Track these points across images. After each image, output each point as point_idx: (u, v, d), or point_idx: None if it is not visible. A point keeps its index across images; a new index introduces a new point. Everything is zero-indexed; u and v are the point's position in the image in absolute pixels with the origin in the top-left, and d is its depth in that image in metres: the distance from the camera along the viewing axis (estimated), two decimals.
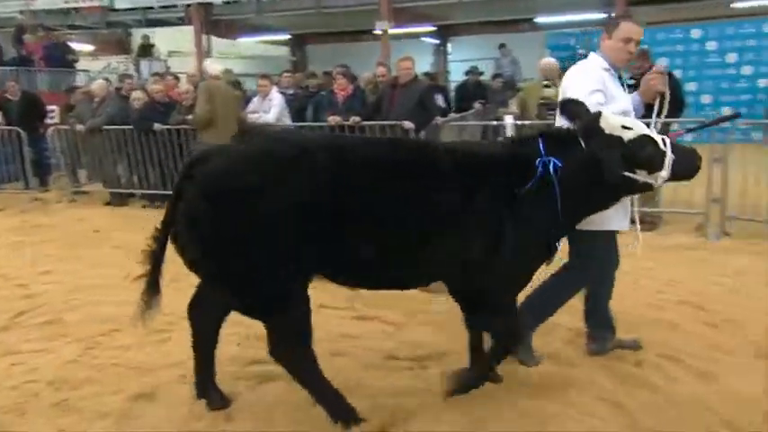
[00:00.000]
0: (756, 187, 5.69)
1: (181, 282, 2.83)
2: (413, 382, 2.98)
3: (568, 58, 11.82)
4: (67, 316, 3.98)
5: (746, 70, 12.15)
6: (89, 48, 15.88)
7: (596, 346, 3.21)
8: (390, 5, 13.11)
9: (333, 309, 3.82)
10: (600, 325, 3.22)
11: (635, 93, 3.00)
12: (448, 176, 2.47)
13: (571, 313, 3.30)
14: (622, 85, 3.08)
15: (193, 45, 14.71)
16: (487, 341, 2.85)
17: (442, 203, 2.44)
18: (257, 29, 16.64)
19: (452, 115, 8.64)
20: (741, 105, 10.84)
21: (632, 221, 3.03)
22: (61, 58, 12.50)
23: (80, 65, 13.47)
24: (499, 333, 2.72)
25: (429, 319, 3.74)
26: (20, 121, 8.66)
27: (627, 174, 2.51)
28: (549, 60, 7.39)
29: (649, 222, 5.81)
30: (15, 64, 11.96)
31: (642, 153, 2.51)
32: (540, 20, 15.41)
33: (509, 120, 6.71)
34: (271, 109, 7.37)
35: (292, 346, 2.46)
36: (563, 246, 2.82)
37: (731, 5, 12.91)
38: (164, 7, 15.44)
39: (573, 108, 2.69)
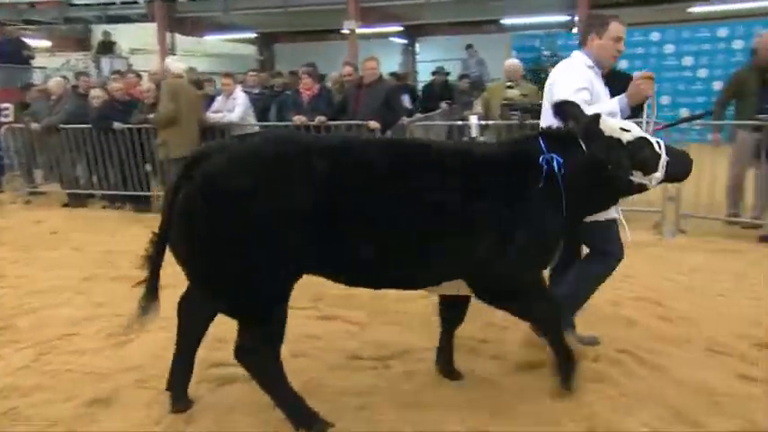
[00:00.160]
0: (710, 186, 5.89)
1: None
2: (376, 381, 2.97)
3: (533, 60, 12.06)
4: (20, 321, 3.84)
5: (702, 73, 12.55)
6: (46, 44, 15.38)
7: None
8: (358, 5, 13.07)
9: (296, 309, 3.76)
10: None
11: (622, 95, 2.97)
12: (450, 176, 2.45)
13: None
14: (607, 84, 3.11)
15: (157, 42, 14.43)
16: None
17: (444, 203, 2.41)
18: (223, 27, 16.43)
19: (418, 115, 8.69)
20: (697, 107, 11.18)
21: None
22: (16, 54, 12.09)
23: (37, 61, 13.06)
24: (541, 317, 2.75)
25: (393, 319, 3.75)
26: None
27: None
28: (513, 62, 7.51)
29: None
30: None
31: (640, 155, 2.56)
32: (506, 21, 15.62)
33: (474, 120, 6.77)
34: (235, 108, 7.26)
35: (265, 347, 2.42)
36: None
37: (687, 10, 13.34)
38: (125, 3, 15.10)
39: (568, 109, 2.70)
